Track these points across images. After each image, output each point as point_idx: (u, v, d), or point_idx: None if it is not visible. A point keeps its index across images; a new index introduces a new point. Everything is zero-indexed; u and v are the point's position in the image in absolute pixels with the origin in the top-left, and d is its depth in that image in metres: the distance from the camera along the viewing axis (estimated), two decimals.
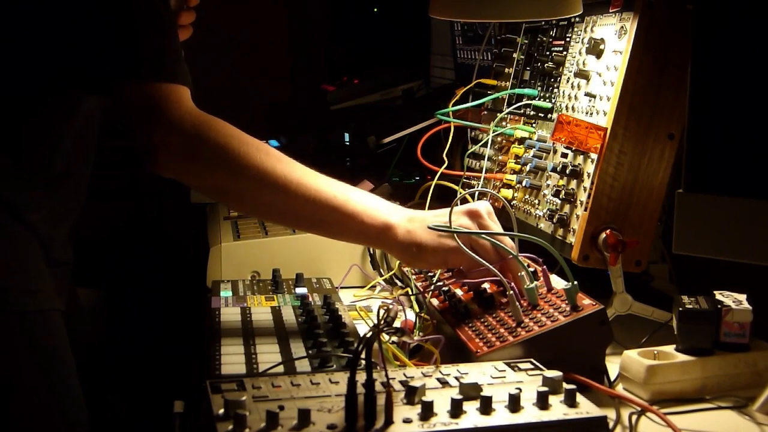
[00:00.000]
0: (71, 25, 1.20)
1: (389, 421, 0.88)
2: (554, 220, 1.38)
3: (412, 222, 1.26)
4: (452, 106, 1.66)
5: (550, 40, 1.57)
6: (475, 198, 1.54)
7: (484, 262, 1.23)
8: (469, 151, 1.71)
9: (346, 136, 2.38)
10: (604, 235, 1.28)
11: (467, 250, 1.24)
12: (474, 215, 1.27)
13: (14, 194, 1.24)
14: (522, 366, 1.06)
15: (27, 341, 1.21)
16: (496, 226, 1.27)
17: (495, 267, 1.21)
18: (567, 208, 1.37)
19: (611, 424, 1.00)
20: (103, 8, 1.20)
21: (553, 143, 1.44)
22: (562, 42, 1.52)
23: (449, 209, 1.27)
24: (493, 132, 1.60)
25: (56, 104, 1.28)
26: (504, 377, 1.02)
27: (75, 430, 1.25)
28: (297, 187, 1.23)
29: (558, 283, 1.22)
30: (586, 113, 1.38)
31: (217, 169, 1.22)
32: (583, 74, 1.41)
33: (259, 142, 1.25)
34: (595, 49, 1.38)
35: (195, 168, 1.22)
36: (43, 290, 1.25)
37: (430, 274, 1.44)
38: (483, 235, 1.25)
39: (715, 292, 1.19)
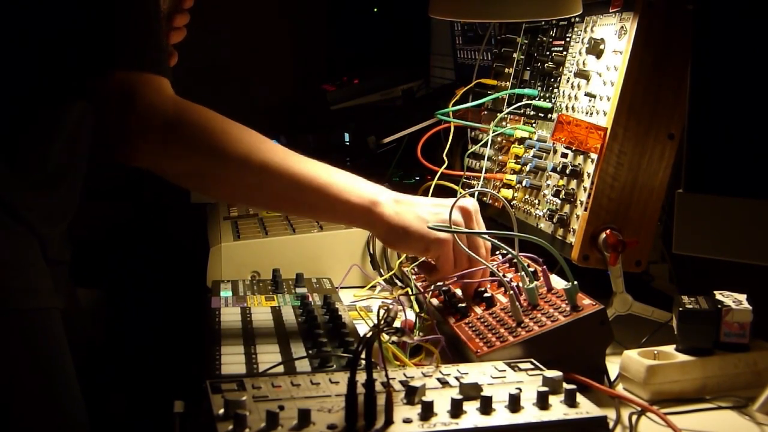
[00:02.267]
0: (55, 18, 1.20)
1: (389, 421, 0.88)
2: (554, 220, 1.38)
3: (400, 204, 1.25)
4: (452, 106, 1.67)
5: (550, 40, 1.57)
6: (475, 198, 1.54)
7: (477, 257, 1.24)
8: (469, 151, 1.71)
9: (346, 136, 2.38)
10: (604, 235, 1.28)
11: (467, 249, 1.24)
12: (466, 214, 1.27)
13: (10, 193, 1.24)
14: (522, 366, 1.06)
15: (26, 340, 1.21)
16: (481, 227, 1.29)
17: (462, 270, 1.25)
18: (567, 208, 1.37)
19: (611, 424, 1.00)
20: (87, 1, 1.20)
21: (553, 143, 1.44)
22: (562, 42, 1.52)
23: (440, 199, 1.28)
24: (493, 132, 1.60)
25: (49, 103, 1.28)
26: (504, 377, 1.02)
27: (74, 430, 1.25)
28: (280, 168, 1.21)
29: (558, 283, 1.22)
30: (586, 113, 1.38)
31: (198, 151, 1.20)
32: (583, 74, 1.41)
33: (240, 124, 1.23)
34: (595, 49, 1.38)
35: (175, 152, 1.20)
36: (41, 289, 1.25)
37: None
38: (483, 236, 1.25)
39: (715, 292, 1.19)
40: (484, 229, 1.29)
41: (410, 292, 1.42)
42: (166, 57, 1.24)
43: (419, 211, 1.25)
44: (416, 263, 1.40)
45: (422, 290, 1.37)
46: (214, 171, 1.23)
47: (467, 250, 1.24)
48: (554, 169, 1.41)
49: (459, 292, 1.31)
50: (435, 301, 1.33)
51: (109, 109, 1.19)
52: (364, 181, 1.28)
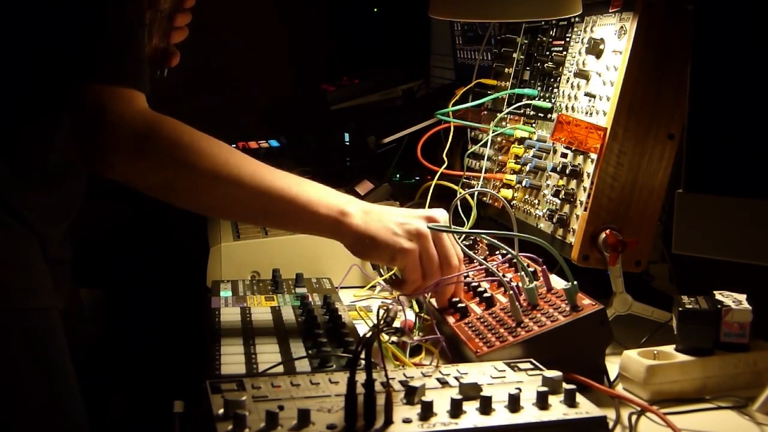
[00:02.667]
0: (38, 26, 1.22)
1: (389, 421, 0.88)
2: (554, 220, 1.38)
3: (369, 214, 1.26)
4: (452, 106, 1.67)
5: (550, 40, 1.57)
6: (475, 198, 1.54)
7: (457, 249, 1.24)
8: (469, 151, 1.71)
9: (346, 136, 2.38)
10: (604, 235, 1.28)
11: (466, 249, 1.24)
12: (432, 222, 1.27)
13: (10, 192, 1.24)
14: (522, 366, 1.06)
15: (25, 339, 1.21)
16: (452, 239, 1.28)
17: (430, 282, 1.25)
18: (567, 208, 1.37)
19: (611, 424, 1.00)
20: (68, 10, 1.21)
21: (553, 143, 1.44)
22: (562, 42, 1.52)
23: (409, 210, 1.29)
24: (492, 132, 1.60)
25: (48, 103, 1.28)
26: (504, 377, 1.02)
27: (73, 428, 1.25)
28: (250, 180, 1.22)
29: (558, 283, 1.22)
30: (586, 113, 1.38)
31: (168, 165, 1.21)
32: (582, 74, 1.41)
33: (210, 137, 1.24)
34: (595, 49, 1.38)
35: (145, 165, 1.21)
36: (41, 288, 1.25)
37: None
38: (487, 235, 1.25)
39: (715, 292, 1.18)
40: (455, 244, 1.29)
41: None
42: (143, 69, 1.25)
43: (387, 222, 1.26)
44: (389, 278, 1.39)
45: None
46: (185, 184, 1.24)
47: (464, 248, 1.24)
48: (554, 169, 1.41)
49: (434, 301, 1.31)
50: (435, 301, 1.33)
51: (81, 122, 1.21)
52: (334, 192, 1.28)
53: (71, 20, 1.21)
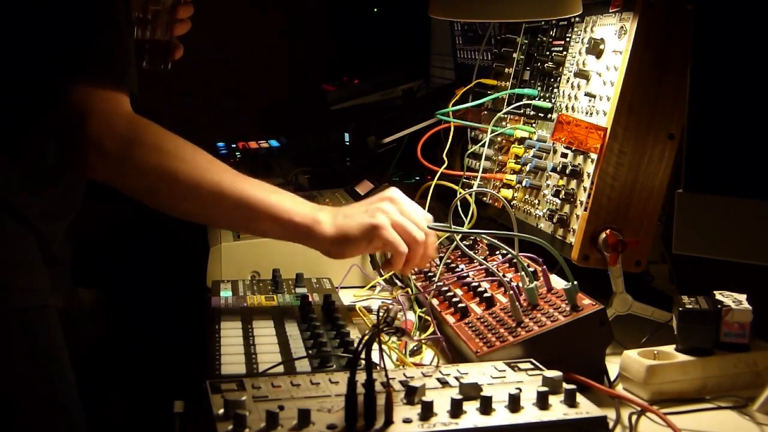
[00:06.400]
0: (28, 24, 1.22)
1: (389, 421, 0.88)
2: (554, 220, 1.38)
3: (337, 217, 1.30)
4: (452, 106, 1.67)
5: (550, 40, 1.57)
6: (473, 197, 1.54)
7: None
8: (469, 151, 1.71)
9: (346, 136, 2.38)
10: (604, 235, 1.28)
11: (466, 249, 1.24)
12: (392, 201, 1.31)
13: (9, 190, 1.25)
14: (522, 366, 1.06)
15: (24, 338, 1.21)
16: (412, 205, 1.32)
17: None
18: (567, 208, 1.37)
19: (611, 424, 1.00)
20: (58, 9, 1.21)
21: (553, 143, 1.44)
22: (562, 42, 1.52)
23: (367, 200, 1.33)
24: (491, 132, 1.60)
25: (47, 102, 1.28)
26: (504, 377, 1.02)
27: (71, 427, 1.25)
28: (230, 187, 1.25)
29: (558, 283, 1.22)
30: (586, 113, 1.38)
31: (151, 171, 1.22)
32: (583, 74, 1.41)
33: (191, 143, 1.26)
34: (595, 49, 1.38)
35: (128, 169, 1.22)
36: (40, 287, 1.25)
37: (429, 274, 1.44)
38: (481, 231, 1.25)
39: (715, 292, 1.19)
40: (420, 209, 1.32)
41: (410, 292, 1.42)
42: (130, 69, 1.25)
43: (353, 214, 1.30)
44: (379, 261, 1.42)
45: (422, 290, 1.37)
46: (167, 190, 1.25)
47: (464, 248, 1.24)
48: (554, 169, 1.41)
49: (459, 292, 1.31)
50: (435, 301, 1.33)
51: (64, 120, 1.21)
52: (304, 201, 1.32)
53: (61, 18, 1.21)
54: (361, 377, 0.90)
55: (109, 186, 1.24)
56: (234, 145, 2.52)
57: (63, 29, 1.21)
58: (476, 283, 1.30)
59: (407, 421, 0.89)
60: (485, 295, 1.26)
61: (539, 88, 1.56)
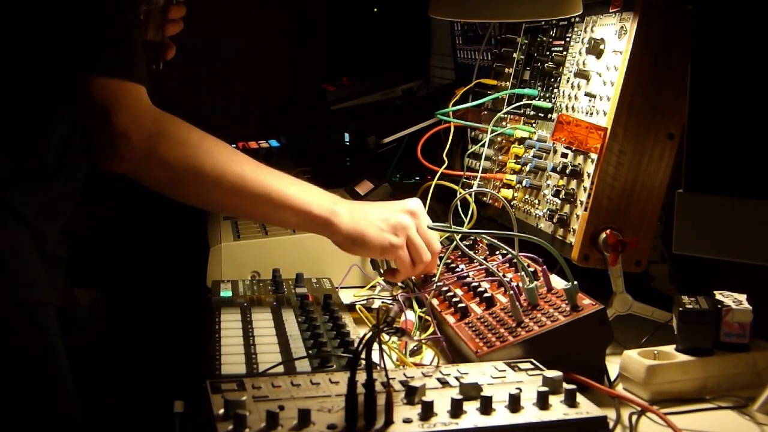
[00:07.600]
0: (36, 21, 1.22)
1: (389, 421, 0.88)
2: (554, 220, 1.38)
3: (356, 212, 1.34)
4: (452, 106, 1.67)
5: (550, 40, 1.57)
6: (473, 197, 1.54)
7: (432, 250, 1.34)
8: (469, 151, 1.71)
9: (346, 136, 2.38)
10: (604, 235, 1.28)
11: (466, 249, 1.24)
12: (412, 215, 1.36)
13: (6, 187, 1.24)
14: (522, 366, 1.06)
15: (19, 333, 1.21)
16: (428, 220, 1.37)
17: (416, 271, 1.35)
18: (567, 208, 1.37)
19: (611, 424, 1.00)
20: (69, 6, 1.22)
21: (553, 143, 1.44)
22: (562, 42, 1.52)
23: (387, 204, 1.37)
24: (491, 132, 1.60)
25: (46, 100, 1.28)
26: (504, 377, 1.02)
27: (68, 426, 1.24)
28: (253, 179, 1.29)
29: (558, 283, 1.22)
30: (586, 113, 1.38)
31: (177, 163, 1.25)
32: (583, 74, 1.41)
33: (213, 136, 1.29)
34: (595, 49, 1.38)
35: (154, 162, 1.24)
36: (36, 283, 1.25)
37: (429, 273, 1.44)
38: (485, 235, 1.25)
39: (715, 292, 1.19)
40: (430, 223, 1.36)
41: (410, 292, 1.42)
42: (143, 65, 1.26)
43: (373, 219, 1.34)
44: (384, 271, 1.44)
45: (422, 290, 1.37)
46: (192, 181, 1.28)
47: (464, 247, 1.24)
48: (554, 169, 1.41)
49: (459, 292, 1.31)
50: (435, 301, 1.33)
51: (91, 117, 1.22)
52: (323, 191, 1.36)
53: (71, 15, 1.21)
54: (361, 377, 0.90)
55: (109, 186, 1.24)
56: (234, 145, 2.51)
57: (75, 24, 1.22)
58: (476, 283, 1.30)
59: (407, 421, 0.89)
60: (485, 295, 1.26)
61: (539, 88, 1.56)
